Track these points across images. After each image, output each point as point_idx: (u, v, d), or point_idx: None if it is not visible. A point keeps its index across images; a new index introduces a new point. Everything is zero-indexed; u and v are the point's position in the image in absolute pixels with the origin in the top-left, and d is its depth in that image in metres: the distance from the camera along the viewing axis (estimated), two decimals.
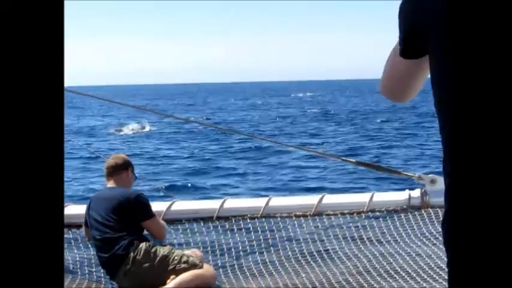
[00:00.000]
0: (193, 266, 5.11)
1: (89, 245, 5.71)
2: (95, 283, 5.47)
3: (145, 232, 5.37)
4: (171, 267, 5.06)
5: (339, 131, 35.41)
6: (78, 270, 5.67)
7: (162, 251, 5.11)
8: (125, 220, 5.17)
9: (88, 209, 5.36)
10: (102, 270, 5.44)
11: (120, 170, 5.47)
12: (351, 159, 6.12)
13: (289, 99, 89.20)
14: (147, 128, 36.58)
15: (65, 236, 5.87)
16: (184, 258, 5.12)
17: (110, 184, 5.45)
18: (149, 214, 5.33)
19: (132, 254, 5.02)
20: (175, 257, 5.10)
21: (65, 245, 5.79)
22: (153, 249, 5.09)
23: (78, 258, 5.75)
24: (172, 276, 5.04)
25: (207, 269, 5.26)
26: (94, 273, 5.62)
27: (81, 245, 5.81)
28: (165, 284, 5.04)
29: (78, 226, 5.76)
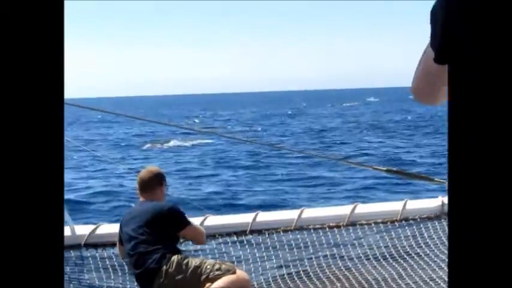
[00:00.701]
0: (227, 271, 5.10)
1: (124, 263, 5.74)
2: None
3: (182, 240, 5.40)
4: (204, 276, 5.05)
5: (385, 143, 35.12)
6: None
7: (194, 262, 5.12)
8: (159, 233, 5.19)
9: (121, 225, 5.39)
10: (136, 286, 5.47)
11: (154, 184, 5.49)
12: (381, 167, 6.08)
13: (327, 109, 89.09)
14: (181, 143, 36.59)
15: (98, 254, 5.92)
16: (217, 266, 5.12)
17: (143, 198, 5.47)
18: (185, 223, 5.36)
19: (164, 267, 5.03)
20: (208, 266, 5.10)
21: (99, 263, 5.84)
22: (185, 261, 5.10)
23: (112, 277, 5.79)
24: (207, 284, 5.03)
25: (241, 273, 5.24)
26: None
27: (115, 262, 5.85)
28: None
29: (112, 245, 5.80)
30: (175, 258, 5.08)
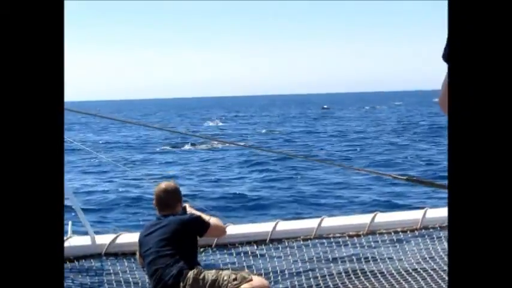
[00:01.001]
0: (244, 279, 5.12)
1: (143, 271, 5.77)
2: None
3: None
4: None
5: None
6: None
7: (210, 276, 5.13)
8: (178, 247, 5.23)
9: (140, 241, 5.45)
10: None
11: (173, 201, 5.58)
12: (401, 176, 6.04)
13: (352, 111, 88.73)
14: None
15: (119, 263, 5.96)
16: (233, 276, 5.14)
17: (161, 213, 5.54)
18: (206, 226, 5.56)
19: (181, 284, 5.06)
20: (224, 278, 5.11)
21: (119, 273, 5.88)
22: (201, 276, 5.12)
23: (132, 286, 5.82)
24: None
25: (258, 279, 5.25)
26: None
27: (136, 273, 5.88)
28: None
29: (132, 253, 5.84)
30: (191, 274, 5.10)
